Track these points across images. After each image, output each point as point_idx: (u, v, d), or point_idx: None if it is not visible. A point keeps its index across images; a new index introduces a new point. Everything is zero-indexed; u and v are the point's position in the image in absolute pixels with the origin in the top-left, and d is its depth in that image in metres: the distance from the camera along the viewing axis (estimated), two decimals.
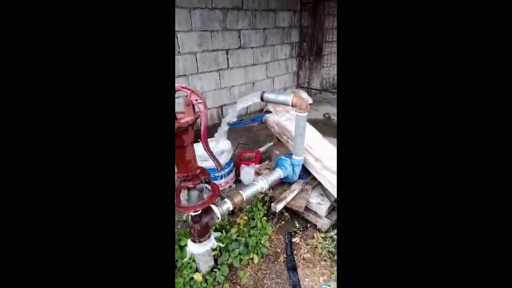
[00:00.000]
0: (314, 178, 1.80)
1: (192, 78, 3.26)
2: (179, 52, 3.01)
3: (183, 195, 1.22)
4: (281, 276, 1.43)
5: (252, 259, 1.44)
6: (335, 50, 5.24)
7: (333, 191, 1.64)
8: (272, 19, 4.03)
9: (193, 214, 1.21)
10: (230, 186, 2.20)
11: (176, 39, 2.94)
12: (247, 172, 2.16)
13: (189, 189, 1.19)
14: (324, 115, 3.93)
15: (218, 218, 1.30)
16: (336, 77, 5.77)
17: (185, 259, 1.33)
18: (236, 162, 2.35)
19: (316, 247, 1.58)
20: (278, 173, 1.74)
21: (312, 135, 2.08)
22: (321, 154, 1.84)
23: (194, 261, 1.34)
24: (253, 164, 2.27)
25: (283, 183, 1.90)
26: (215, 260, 1.40)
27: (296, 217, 1.82)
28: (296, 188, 1.80)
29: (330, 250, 1.52)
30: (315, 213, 1.75)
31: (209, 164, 1.86)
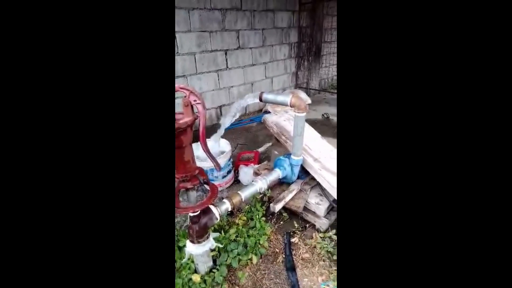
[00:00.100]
0: (313, 178, 1.80)
1: (191, 78, 3.26)
2: (178, 52, 3.01)
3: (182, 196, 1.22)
4: (280, 276, 1.43)
5: (250, 259, 1.44)
6: (334, 50, 5.25)
7: (332, 191, 1.64)
8: (270, 20, 4.03)
9: (191, 214, 1.21)
10: (229, 187, 2.20)
11: (175, 39, 2.94)
12: (246, 173, 2.16)
13: (187, 189, 1.19)
14: (322, 115, 3.93)
15: (217, 219, 1.30)
16: (335, 78, 5.78)
17: (184, 260, 1.33)
18: (235, 163, 2.35)
19: (314, 247, 1.58)
20: (277, 174, 1.74)
21: (311, 135, 2.08)
22: (320, 155, 1.85)
23: (192, 261, 1.34)
24: (252, 164, 2.27)
25: (282, 183, 1.91)
26: (214, 261, 1.40)
27: (295, 217, 1.82)
28: (294, 188, 1.81)
29: (328, 250, 1.52)
30: (313, 213, 1.76)
31: (208, 164, 1.86)
